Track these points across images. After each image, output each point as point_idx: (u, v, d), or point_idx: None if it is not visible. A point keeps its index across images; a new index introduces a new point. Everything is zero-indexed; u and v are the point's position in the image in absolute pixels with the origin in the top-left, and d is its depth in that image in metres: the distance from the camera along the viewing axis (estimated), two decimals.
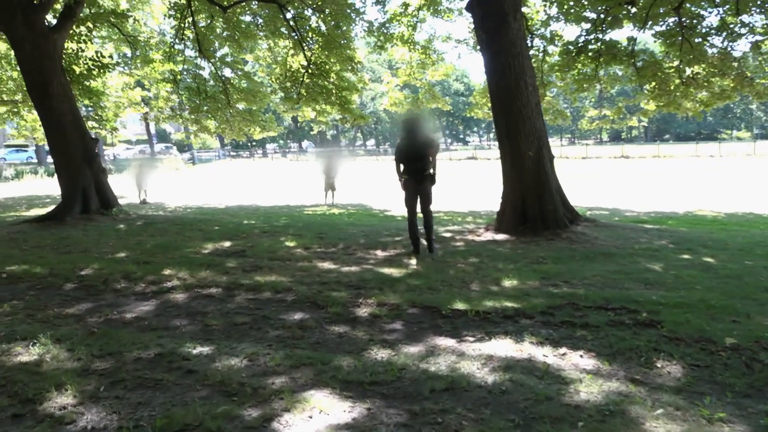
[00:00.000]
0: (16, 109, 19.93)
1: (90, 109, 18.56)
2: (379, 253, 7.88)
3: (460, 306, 5.04)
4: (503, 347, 4.05)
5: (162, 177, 35.88)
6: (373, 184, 25.51)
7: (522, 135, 8.63)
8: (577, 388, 3.34)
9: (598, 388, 3.33)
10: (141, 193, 19.08)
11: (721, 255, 7.21)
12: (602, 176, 27.18)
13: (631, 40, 11.82)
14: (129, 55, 18.32)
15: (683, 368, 3.63)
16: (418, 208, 7.74)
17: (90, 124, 16.64)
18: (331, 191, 16.54)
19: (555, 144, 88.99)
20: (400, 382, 3.49)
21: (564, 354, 3.90)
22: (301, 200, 18.55)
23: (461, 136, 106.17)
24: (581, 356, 3.86)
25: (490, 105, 15.39)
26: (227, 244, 8.86)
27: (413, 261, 7.22)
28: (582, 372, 3.58)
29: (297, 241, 8.89)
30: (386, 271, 6.64)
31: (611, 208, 13.54)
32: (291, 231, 10.13)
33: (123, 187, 20.27)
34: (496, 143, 9.42)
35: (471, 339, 4.25)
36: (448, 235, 9.14)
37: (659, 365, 3.68)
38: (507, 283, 5.96)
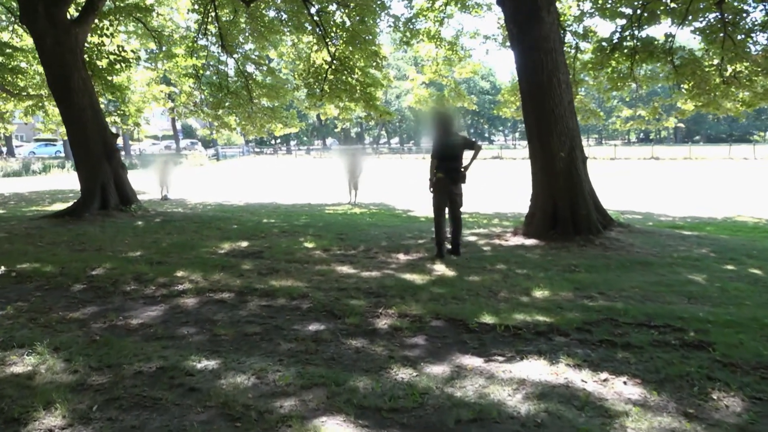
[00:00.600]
0: (41, 104, 19.98)
1: (114, 104, 18.53)
2: (402, 257, 7.52)
3: (487, 319, 4.66)
4: (537, 370, 3.66)
5: (186, 173, 36.02)
6: (396, 182, 25.17)
7: (554, 135, 8.19)
8: (624, 423, 2.95)
9: (648, 424, 2.94)
10: (163, 190, 19.03)
11: None
12: (632, 178, 26.43)
13: (669, 36, 11.27)
14: (155, 50, 18.23)
15: (743, 401, 3.21)
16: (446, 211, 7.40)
17: (112, 119, 16.55)
18: (354, 190, 16.19)
19: (583, 144, 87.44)
20: (423, 409, 3.13)
21: (605, 380, 3.50)
22: (322, 198, 18.28)
23: (486, 135, 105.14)
24: (625, 383, 3.45)
25: (519, 103, 14.99)
26: (244, 244, 8.58)
27: (437, 266, 6.85)
28: (627, 403, 3.18)
29: (316, 242, 8.58)
30: (408, 277, 6.28)
31: (644, 211, 12.98)
32: (311, 231, 9.82)
33: (146, 183, 20.28)
34: (522, 143, 9.00)
35: (500, 359, 3.87)
36: (473, 238, 8.75)
37: (715, 397, 3.26)
38: (538, 293, 5.56)
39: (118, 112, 16.59)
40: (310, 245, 8.36)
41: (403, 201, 16.92)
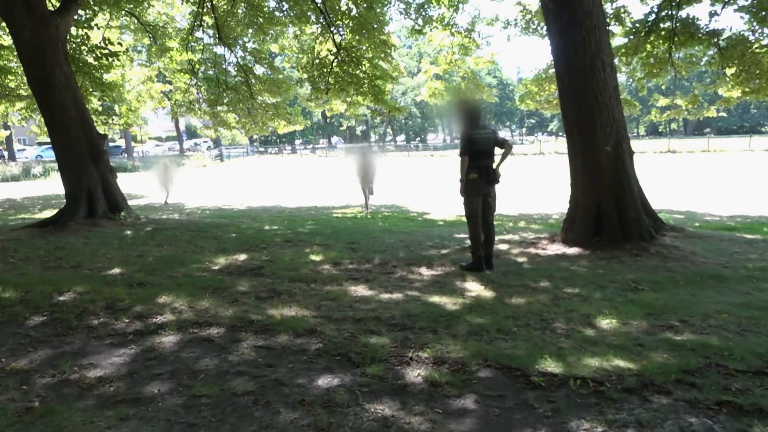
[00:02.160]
0: (35, 105, 18.97)
1: (104, 103, 17.50)
2: (425, 272, 6.41)
3: (552, 366, 3.54)
4: None
5: (187, 175, 35.03)
6: (407, 182, 24.03)
7: (598, 126, 7.05)
8: None
9: None
10: (166, 194, 18.07)
11: None
12: (655, 173, 25.17)
13: (713, 15, 10.10)
14: (148, 45, 17.18)
15: None
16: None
17: (101, 119, 15.50)
18: (369, 194, 14.03)
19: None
20: None
21: None
22: (329, 200, 17.19)
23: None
24: None
25: (545, 94, 13.88)
26: (242, 257, 7.49)
27: (469, 284, 5.74)
28: None
29: (324, 254, 7.47)
30: (437, 300, 5.17)
31: (684, 210, 11.81)
32: (318, 240, 8.72)
33: (146, 186, 19.30)
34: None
35: None
36: (504, 246, 7.62)
37: None
38: (603, 322, 4.44)
39: (107, 111, 15.48)
40: (317, 258, 7.26)
41: (416, 202, 15.82)
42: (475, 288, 5.61)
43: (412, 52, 76.39)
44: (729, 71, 10.59)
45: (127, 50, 14.22)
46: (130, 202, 19.68)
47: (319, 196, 18.38)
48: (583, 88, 7.00)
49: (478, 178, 6.13)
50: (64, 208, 11.12)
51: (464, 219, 6.60)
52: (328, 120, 74.67)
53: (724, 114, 14.37)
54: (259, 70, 16.51)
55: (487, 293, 5.40)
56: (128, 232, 9.90)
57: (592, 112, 7.01)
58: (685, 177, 20.81)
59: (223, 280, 6.16)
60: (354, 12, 12.84)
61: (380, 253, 7.49)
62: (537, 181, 22.46)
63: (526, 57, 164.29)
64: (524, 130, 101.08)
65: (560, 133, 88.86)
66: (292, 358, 3.86)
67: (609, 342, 4.00)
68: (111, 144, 67.31)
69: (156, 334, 4.42)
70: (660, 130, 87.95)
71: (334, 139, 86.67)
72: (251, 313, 4.85)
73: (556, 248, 7.27)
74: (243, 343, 4.15)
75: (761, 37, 10.12)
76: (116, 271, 6.80)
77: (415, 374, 3.52)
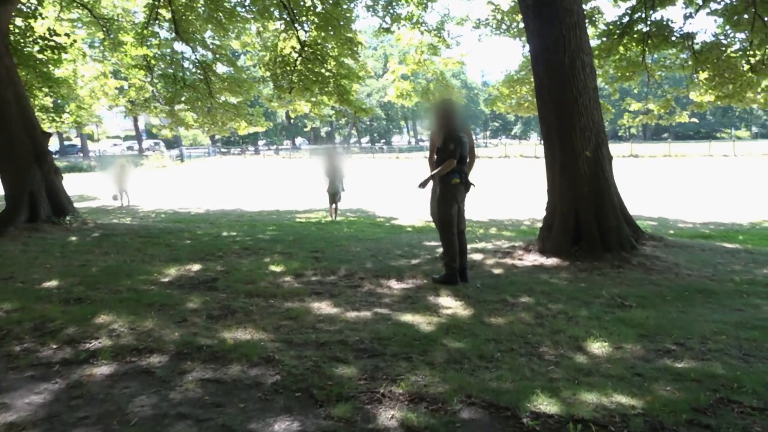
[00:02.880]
0: None
1: (56, 100, 16.53)
2: (394, 285, 5.92)
3: (545, 404, 3.08)
4: None
5: (145, 175, 33.86)
6: (372, 185, 23.52)
7: (577, 130, 6.69)
8: None
9: None
10: (123, 197, 17.14)
11: None
12: (620, 178, 25.26)
13: (687, 17, 9.89)
14: (101, 40, 16.26)
15: None
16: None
17: (48, 116, 14.55)
18: (335, 203, 12.34)
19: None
20: None
21: None
22: (292, 204, 16.57)
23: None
24: None
25: (515, 97, 13.56)
26: (196, 267, 6.87)
27: (443, 299, 5.28)
28: None
29: (285, 264, 6.92)
30: (410, 319, 4.68)
31: (656, 217, 11.60)
32: (279, 248, 8.16)
33: (100, 188, 18.35)
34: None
35: None
36: (478, 257, 7.19)
37: None
38: (594, 346, 4.01)
39: (57, 108, 14.53)
40: (277, 269, 6.70)
41: (383, 206, 15.32)
42: (450, 304, 5.14)
43: (377, 54, 75.99)
44: (702, 75, 10.41)
45: (74, 42, 13.33)
46: (83, 204, 18.73)
47: (281, 200, 17.73)
48: (563, 89, 6.62)
49: (459, 184, 5.68)
50: (3, 212, 10.30)
51: (432, 225, 6.15)
52: (291, 121, 73.65)
53: (695, 120, 14.29)
54: (220, 68, 15.80)
55: (464, 311, 4.94)
56: (73, 239, 9.16)
57: (572, 115, 6.65)
58: (651, 182, 20.83)
59: (172, 295, 5.55)
60: (319, 8, 12.30)
61: (346, 263, 6.97)
62: (504, 185, 22.22)
63: (490, 60, 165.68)
64: (488, 133, 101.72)
65: (523, 137, 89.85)
66: (244, 395, 3.31)
67: (605, 371, 3.56)
68: (66, 143, 65.08)
69: (87, 364, 3.81)
70: (620, 135, 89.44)
71: (299, 140, 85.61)
72: (201, 336, 4.27)
73: (533, 258, 6.87)
74: (188, 376, 3.58)
75: (734, 41, 9.98)
76: (53, 283, 6.12)
77: (388, 416, 3.02)
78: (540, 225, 11.00)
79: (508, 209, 13.47)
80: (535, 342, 4.13)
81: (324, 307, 5.08)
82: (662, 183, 21.56)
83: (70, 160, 47.82)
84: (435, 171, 5.75)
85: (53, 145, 66.29)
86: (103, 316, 4.78)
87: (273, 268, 6.76)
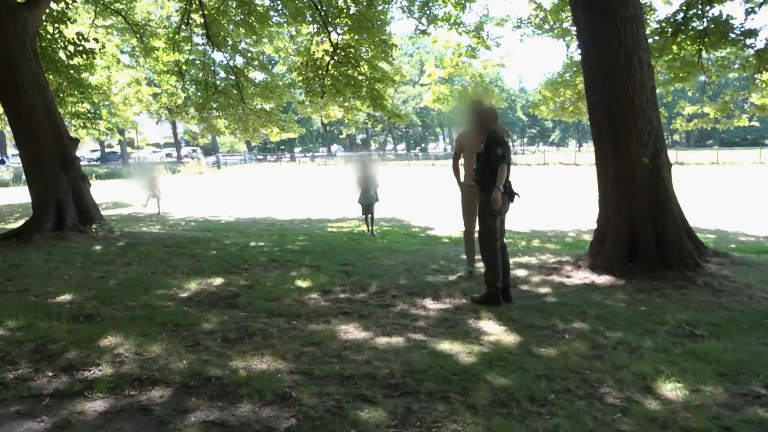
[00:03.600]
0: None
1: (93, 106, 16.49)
2: (430, 305, 5.37)
3: None
4: None
5: (181, 182, 34.07)
6: (408, 192, 22.97)
7: (633, 134, 6.04)
8: None
9: None
10: (157, 204, 16.95)
11: None
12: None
13: (750, 12, 9.10)
14: (133, 46, 16.20)
15: None
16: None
17: (80, 122, 14.46)
18: (369, 214, 10.92)
19: (587, 150, 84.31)
20: None
21: None
22: (325, 212, 16.13)
23: None
24: None
25: (558, 100, 12.88)
26: (218, 281, 6.45)
27: (485, 324, 4.70)
28: None
29: (313, 278, 6.43)
30: (448, 348, 4.12)
31: (712, 229, 10.75)
32: (307, 260, 7.68)
33: (133, 195, 18.26)
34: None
35: None
36: (521, 272, 6.59)
37: None
38: (666, 388, 3.40)
39: (89, 115, 14.41)
40: (304, 284, 6.22)
41: (418, 215, 14.74)
42: (493, 330, 4.56)
43: (413, 61, 75.57)
44: (766, 76, 9.60)
45: (103, 47, 13.18)
46: (116, 211, 18.68)
47: (314, 208, 17.31)
48: (617, 89, 5.99)
49: (504, 194, 5.13)
50: (30, 219, 10.11)
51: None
52: (327, 128, 73.75)
53: (756, 123, 13.35)
54: (252, 74, 15.52)
55: (509, 338, 4.36)
56: (97, 248, 8.87)
57: (627, 118, 6.00)
58: (701, 191, 19.76)
59: (189, 313, 5.11)
60: (353, 10, 11.87)
61: (378, 278, 6.45)
62: (545, 193, 21.40)
63: (529, 66, 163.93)
64: (525, 140, 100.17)
65: (561, 144, 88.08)
66: None
67: (684, 423, 2.95)
68: (108, 150, 66.35)
69: (80, 397, 3.37)
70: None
71: (334, 147, 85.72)
72: (211, 364, 3.79)
73: (583, 276, 6.23)
74: (190, 416, 3.10)
75: None
76: (66, 297, 5.76)
77: None
78: (587, 238, 10.42)
79: (550, 219, 12.78)
80: (595, 380, 3.53)
81: (351, 331, 4.57)
82: (713, 192, 20.41)
83: (110, 167, 48.55)
84: (495, 179, 5.18)
85: (96, 152, 67.76)
86: (110, 338, 4.36)
87: (299, 283, 6.28)
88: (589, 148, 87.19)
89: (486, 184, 5.22)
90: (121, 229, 10.81)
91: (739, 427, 2.91)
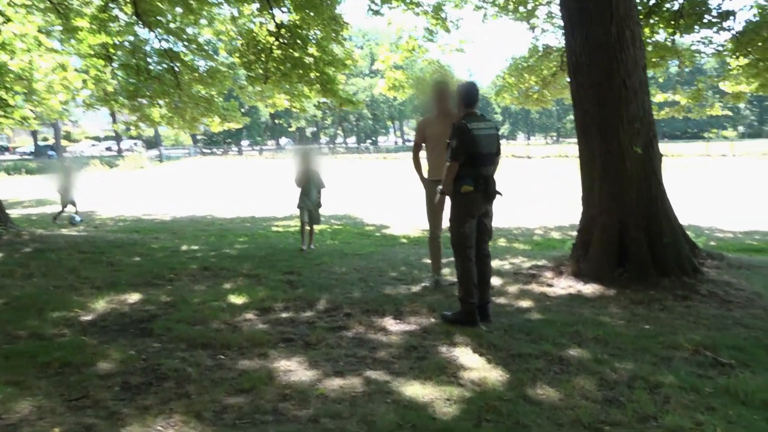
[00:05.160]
0: None
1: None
2: (392, 326, 4.41)
3: None
4: None
5: (119, 177, 32.13)
6: (360, 188, 21.97)
7: (624, 121, 5.21)
8: None
9: None
10: (68, 206, 14.35)
11: None
12: None
13: None
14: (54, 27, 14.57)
15: None
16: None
17: None
18: (310, 224, 8.08)
19: (539, 143, 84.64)
20: None
21: None
22: (270, 209, 14.95)
23: None
24: None
25: (523, 87, 12.09)
26: (134, 298, 5.31)
27: (461, 353, 3.77)
28: None
29: (250, 293, 5.37)
30: (419, 393, 3.17)
31: (686, 224, 10.11)
32: (246, 267, 6.61)
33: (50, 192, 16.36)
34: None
35: None
36: (496, 282, 5.68)
37: None
38: None
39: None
40: (239, 300, 5.15)
41: (372, 212, 13.74)
42: (473, 362, 3.63)
43: (363, 53, 74.41)
44: (742, 61, 9.02)
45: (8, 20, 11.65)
46: (39, 210, 17.00)
47: (259, 205, 16.06)
48: (608, 68, 5.15)
49: (474, 192, 4.20)
50: None
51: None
52: (276, 120, 71.82)
53: (729, 112, 12.89)
54: (189, 58, 14.15)
55: (495, 374, 3.43)
56: None
57: (618, 102, 5.18)
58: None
59: (86, 345, 4.00)
60: None
61: (328, 290, 5.44)
62: (504, 188, 20.78)
63: (479, 59, 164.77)
64: None
65: (511, 137, 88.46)
66: None
67: None
68: (42, 143, 62.65)
69: None
70: None
71: (283, 140, 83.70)
72: None
73: (567, 284, 5.38)
74: None
75: None
76: None
77: None
78: (556, 236, 9.69)
79: (513, 215, 11.98)
80: None
81: (294, 368, 3.55)
82: (674, 186, 20.19)
83: (40, 161, 45.57)
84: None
85: (28, 145, 63.85)
86: None
87: (233, 298, 5.21)
88: (537, 140, 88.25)
89: (451, 183, 4.30)
90: (32, 231, 9.43)
91: None
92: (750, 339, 3.95)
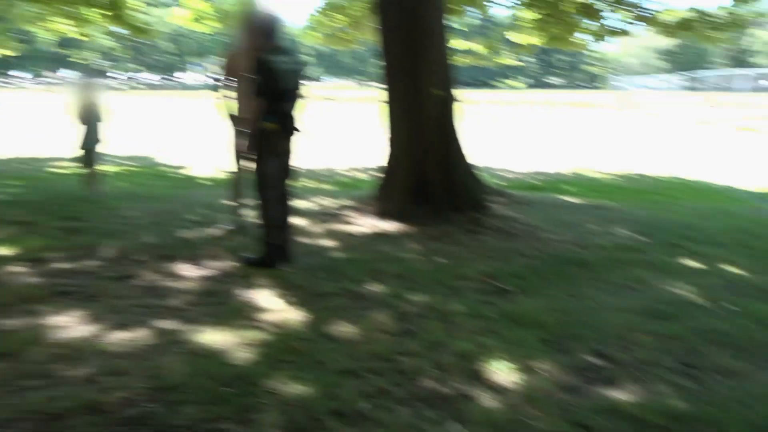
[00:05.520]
0: None
1: None
2: (188, 272, 4.15)
3: None
4: None
5: None
6: (155, 126, 20.39)
7: (426, 63, 5.32)
8: None
9: None
10: None
11: (737, 256, 4.77)
12: None
13: None
14: None
15: None
16: None
17: None
18: (90, 167, 7.30)
19: (350, 86, 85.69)
20: None
21: None
22: (54, 149, 13.21)
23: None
24: None
25: (333, 26, 11.77)
26: None
27: (261, 296, 3.66)
28: None
29: (22, 242, 4.69)
30: (215, 340, 3.01)
31: (482, 166, 10.87)
32: (18, 214, 5.75)
33: None
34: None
35: None
36: (300, 222, 5.60)
37: None
38: (498, 368, 2.76)
39: None
40: (7, 251, 4.47)
41: (168, 151, 12.75)
42: (273, 303, 3.54)
43: None
44: (529, 15, 9.72)
45: None
46: None
47: (36, 144, 14.06)
48: (414, 12, 5.17)
49: (279, 130, 4.01)
50: None
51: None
52: (65, 54, 63.40)
53: (522, 63, 13.90)
54: None
55: (296, 314, 3.38)
56: None
57: (424, 42, 5.26)
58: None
59: None
60: None
61: (116, 237, 4.93)
62: (309, 129, 20.65)
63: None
64: None
65: (322, 79, 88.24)
66: None
67: (537, 429, 2.29)
68: None
69: None
70: None
71: (67, 72, 74.25)
72: None
73: (370, 223, 5.49)
74: None
75: None
76: None
77: None
78: (362, 177, 9.84)
79: (319, 157, 11.94)
80: (412, 370, 2.74)
81: (70, 325, 3.16)
82: (466, 129, 21.63)
83: None
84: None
85: None
86: None
87: (0, 249, 4.50)
88: (347, 84, 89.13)
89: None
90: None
91: (593, 420, 2.33)
92: (528, 267, 4.35)
